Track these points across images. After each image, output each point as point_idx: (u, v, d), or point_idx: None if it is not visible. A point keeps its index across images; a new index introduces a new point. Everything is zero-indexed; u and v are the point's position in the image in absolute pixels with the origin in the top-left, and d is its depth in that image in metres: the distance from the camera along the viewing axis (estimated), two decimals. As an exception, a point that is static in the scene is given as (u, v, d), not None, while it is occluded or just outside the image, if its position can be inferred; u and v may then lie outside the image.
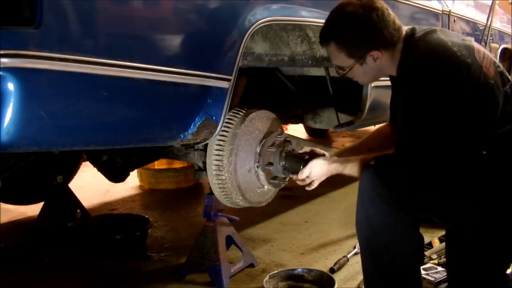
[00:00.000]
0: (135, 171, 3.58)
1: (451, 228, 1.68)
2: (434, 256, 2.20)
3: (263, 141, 1.95)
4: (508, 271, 1.74)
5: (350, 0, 1.56)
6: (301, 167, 1.81)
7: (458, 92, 1.43)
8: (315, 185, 1.77)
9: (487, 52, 1.55)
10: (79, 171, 3.10)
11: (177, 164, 3.75)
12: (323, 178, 1.76)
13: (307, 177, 1.76)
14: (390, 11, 1.57)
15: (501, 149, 1.48)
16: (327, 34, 1.60)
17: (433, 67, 1.46)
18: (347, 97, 2.67)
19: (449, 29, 3.31)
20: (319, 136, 5.61)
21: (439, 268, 2.06)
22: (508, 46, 4.47)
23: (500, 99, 1.49)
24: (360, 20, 1.52)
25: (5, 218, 3.01)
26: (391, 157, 1.55)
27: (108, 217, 2.92)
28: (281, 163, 1.95)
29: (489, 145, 1.47)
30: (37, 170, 2.75)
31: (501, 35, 4.46)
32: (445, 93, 1.43)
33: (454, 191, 1.46)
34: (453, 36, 1.56)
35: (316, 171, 1.74)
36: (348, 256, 2.31)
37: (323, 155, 1.84)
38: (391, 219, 1.48)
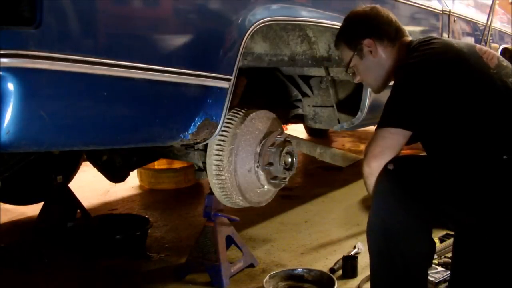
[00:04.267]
0: (135, 171, 3.58)
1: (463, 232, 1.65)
2: (435, 256, 2.19)
3: (263, 141, 1.95)
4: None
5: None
6: None
7: (459, 80, 1.47)
8: None
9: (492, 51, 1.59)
10: (79, 171, 3.10)
11: (177, 164, 3.75)
12: None
13: None
14: (392, 15, 1.72)
15: None
16: (337, 36, 1.79)
17: (429, 63, 1.51)
18: (347, 97, 2.68)
19: (449, 29, 3.32)
20: (319, 136, 5.59)
21: (439, 268, 2.05)
22: (508, 46, 4.47)
23: None
24: (357, 15, 1.74)
25: (5, 218, 3.01)
26: (411, 161, 1.51)
27: (108, 217, 2.92)
28: (281, 163, 1.95)
29: (510, 150, 1.45)
30: (37, 170, 2.75)
31: (501, 35, 4.47)
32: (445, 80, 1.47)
33: (474, 197, 1.43)
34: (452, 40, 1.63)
35: None
36: (348, 256, 2.30)
37: None
38: (409, 227, 1.45)
